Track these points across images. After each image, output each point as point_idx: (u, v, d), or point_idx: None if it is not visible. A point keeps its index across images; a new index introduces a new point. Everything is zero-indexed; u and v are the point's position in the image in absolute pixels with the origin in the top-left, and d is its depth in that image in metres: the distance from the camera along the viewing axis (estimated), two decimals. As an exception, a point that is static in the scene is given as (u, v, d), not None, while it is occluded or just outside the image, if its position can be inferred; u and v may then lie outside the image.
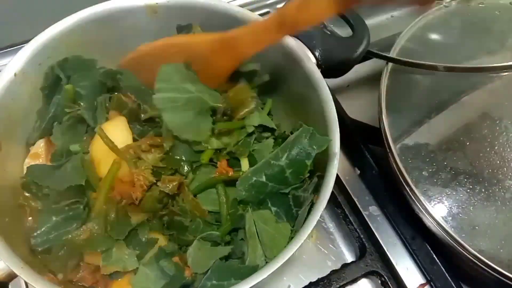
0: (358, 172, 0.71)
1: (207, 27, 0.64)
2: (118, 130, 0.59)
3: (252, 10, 0.68)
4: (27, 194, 0.58)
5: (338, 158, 0.52)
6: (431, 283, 0.62)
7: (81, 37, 0.63)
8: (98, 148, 0.58)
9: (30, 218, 0.58)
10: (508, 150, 0.62)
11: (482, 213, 0.59)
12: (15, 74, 0.58)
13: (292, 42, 0.60)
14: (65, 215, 0.55)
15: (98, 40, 0.65)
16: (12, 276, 0.50)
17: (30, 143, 0.62)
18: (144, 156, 0.56)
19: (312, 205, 0.52)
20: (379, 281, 0.64)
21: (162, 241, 0.57)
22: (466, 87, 0.70)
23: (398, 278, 0.63)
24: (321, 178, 0.53)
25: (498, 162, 0.62)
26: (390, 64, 0.71)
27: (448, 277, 0.61)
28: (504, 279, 0.55)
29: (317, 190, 0.53)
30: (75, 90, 0.62)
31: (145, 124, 0.60)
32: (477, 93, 0.68)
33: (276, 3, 0.96)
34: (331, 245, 0.69)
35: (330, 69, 0.63)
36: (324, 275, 0.63)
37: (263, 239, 0.53)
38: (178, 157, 0.57)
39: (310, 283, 0.63)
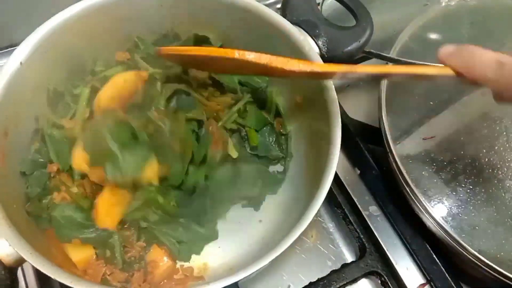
0: (358, 172, 0.71)
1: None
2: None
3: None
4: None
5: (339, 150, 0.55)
6: (431, 283, 0.62)
7: (87, 25, 0.62)
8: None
9: None
10: (508, 150, 0.62)
11: (482, 213, 0.59)
12: (20, 63, 0.58)
13: (296, 33, 0.60)
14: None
15: (105, 27, 0.64)
16: (20, 262, 0.49)
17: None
18: None
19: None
20: (379, 281, 0.64)
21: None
22: (466, 87, 0.69)
23: (398, 278, 0.63)
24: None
25: (498, 162, 0.62)
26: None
27: (448, 277, 0.61)
28: (504, 279, 0.55)
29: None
30: None
31: None
32: (477, 93, 0.68)
33: (276, 2, 0.96)
34: (331, 245, 0.69)
35: (333, 59, 0.62)
36: (324, 275, 0.63)
37: None
38: None
39: (310, 283, 0.63)
